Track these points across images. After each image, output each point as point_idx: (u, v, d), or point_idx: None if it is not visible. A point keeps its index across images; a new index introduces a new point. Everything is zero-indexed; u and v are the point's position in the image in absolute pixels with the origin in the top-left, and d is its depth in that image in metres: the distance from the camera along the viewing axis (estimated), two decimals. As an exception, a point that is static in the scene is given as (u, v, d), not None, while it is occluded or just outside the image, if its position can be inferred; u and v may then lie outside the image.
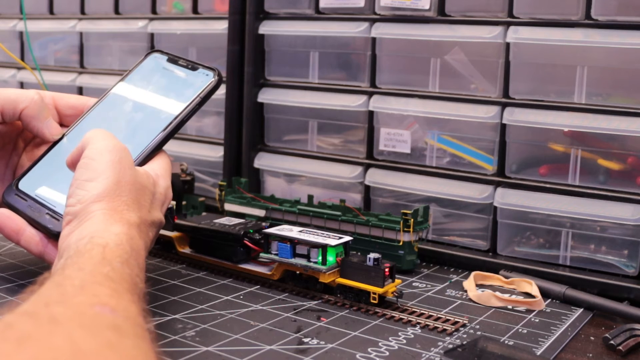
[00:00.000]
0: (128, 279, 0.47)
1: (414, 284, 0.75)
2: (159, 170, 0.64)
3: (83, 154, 0.59)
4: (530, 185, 0.79)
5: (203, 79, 0.68)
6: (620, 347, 0.59)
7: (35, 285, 0.42)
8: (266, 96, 0.97)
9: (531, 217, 0.79)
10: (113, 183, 0.56)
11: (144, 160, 0.65)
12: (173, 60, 0.71)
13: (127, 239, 0.52)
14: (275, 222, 0.80)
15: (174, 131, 0.67)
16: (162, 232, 0.79)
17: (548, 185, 0.78)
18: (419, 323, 0.63)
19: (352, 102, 0.90)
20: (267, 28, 0.96)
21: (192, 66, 0.70)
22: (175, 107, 0.68)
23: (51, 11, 1.25)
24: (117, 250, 0.50)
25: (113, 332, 0.38)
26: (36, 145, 0.72)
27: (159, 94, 0.70)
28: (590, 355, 0.59)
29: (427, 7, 0.83)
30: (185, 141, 1.08)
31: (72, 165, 0.60)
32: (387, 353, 0.56)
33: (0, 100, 0.67)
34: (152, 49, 1.10)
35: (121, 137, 0.62)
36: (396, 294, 0.66)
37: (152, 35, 1.10)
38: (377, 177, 0.89)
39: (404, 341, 0.59)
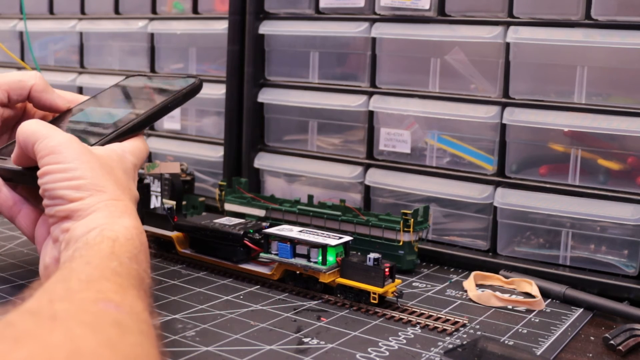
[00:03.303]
0: (135, 274, 0.47)
1: (414, 284, 0.75)
2: (127, 147, 0.63)
3: (47, 156, 0.55)
4: (530, 185, 0.79)
5: (184, 82, 0.72)
6: (620, 347, 0.59)
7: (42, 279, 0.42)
8: (266, 96, 0.97)
9: (531, 217, 0.79)
10: (99, 176, 0.55)
11: (116, 138, 0.65)
12: (154, 77, 0.78)
13: (137, 233, 0.52)
14: (275, 222, 0.80)
15: (149, 119, 0.68)
16: (162, 232, 0.79)
17: (548, 185, 0.78)
18: (419, 323, 0.63)
19: (352, 102, 0.90)
20: (267, 28, 0.96)
21: (174, 77, 0.75)
22: (154, 102, 0.70)
23: (51, 11, 1.25)
24: (127, 244, 0.50)
25: (115, 329, 0.37)
26: None
27: (141, 93, 0.73)
28: (590, 355, 0.59)
29: (427, 7, 0.83)
30: (185, 141, 1.08)
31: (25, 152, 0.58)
32: (387, 353, 0.56)
33: (5, 83, 0.67)
34: (152, 48, 1.10)
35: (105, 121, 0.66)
36: (396, 294, 0.66)
37: (152, 35, 1.10)
38: (377, 177, 0.89)
39: (404, 341, 0.59)
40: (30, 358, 0.32)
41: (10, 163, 0.61)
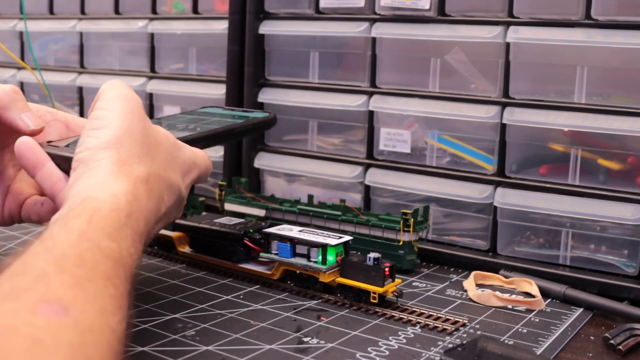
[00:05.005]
0: (110, 253, 0.43)
1: (414, 283, 0.75)
2: (191, 148, 0.61)
3: (95, 105, 0.55)
4: (530, 185, 0.79)
5: (258, 114, 0.73)
6: (620, 347, 0.59)
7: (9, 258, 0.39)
8: (266, 96, 0.97)
9: (531, 217, 0.79)
10: (123, 131, 0.52)
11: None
12: (228, 108, 0.79)
13: (125, 201, 0.48)
14: (275, 222, 0.80)
15: (221, 135, 0.68)
16: (162, 232, 0.79)
17: (548, 185, 0.78)
18: (419, 322, 0.63)
19: (352, 102, 0.90)
20: (267, 28, 0.96)
21: (250, 110, 0.78)
22: (223, 124, 0.70)
23: (51, 11, 1.25)
24: (109, 217, 0.46)
25: (33, 344, 0.34)
26: None
27: (216, 117, 0.74)
28: (590, 355, 0.59)
29: (427, 7, 0.83)
30: (185, 141, 1.08)
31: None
32: (387, 352, 0.56)
33: None
34: (152, 48, 1.10)
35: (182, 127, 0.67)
36: (396, 294, 0.66)
37: (152, 35, 1.10)
38: (377, 177, 0.89)
39: (404, 341, 0.59)
40: None
41: (64, 150, 0.58)
